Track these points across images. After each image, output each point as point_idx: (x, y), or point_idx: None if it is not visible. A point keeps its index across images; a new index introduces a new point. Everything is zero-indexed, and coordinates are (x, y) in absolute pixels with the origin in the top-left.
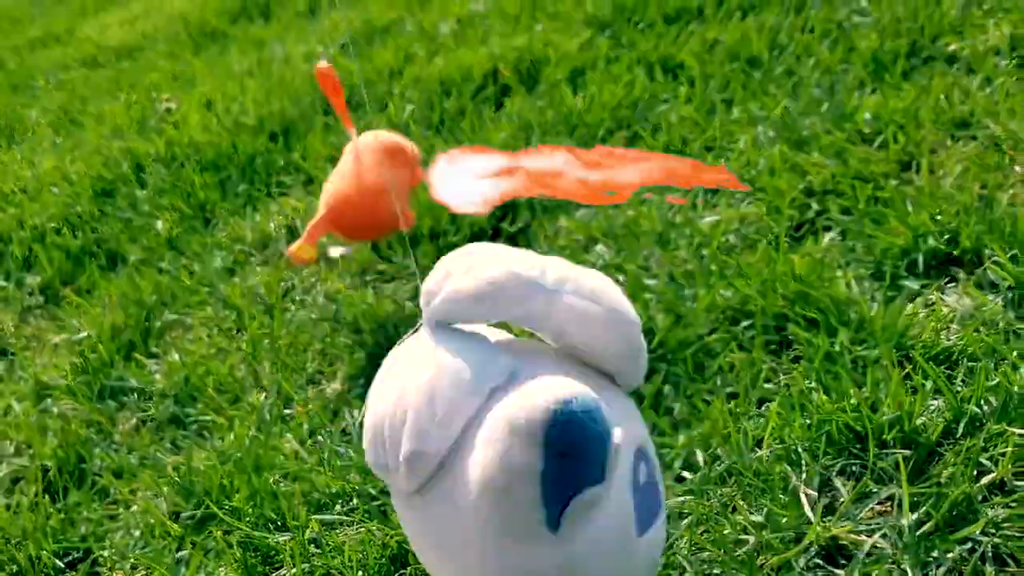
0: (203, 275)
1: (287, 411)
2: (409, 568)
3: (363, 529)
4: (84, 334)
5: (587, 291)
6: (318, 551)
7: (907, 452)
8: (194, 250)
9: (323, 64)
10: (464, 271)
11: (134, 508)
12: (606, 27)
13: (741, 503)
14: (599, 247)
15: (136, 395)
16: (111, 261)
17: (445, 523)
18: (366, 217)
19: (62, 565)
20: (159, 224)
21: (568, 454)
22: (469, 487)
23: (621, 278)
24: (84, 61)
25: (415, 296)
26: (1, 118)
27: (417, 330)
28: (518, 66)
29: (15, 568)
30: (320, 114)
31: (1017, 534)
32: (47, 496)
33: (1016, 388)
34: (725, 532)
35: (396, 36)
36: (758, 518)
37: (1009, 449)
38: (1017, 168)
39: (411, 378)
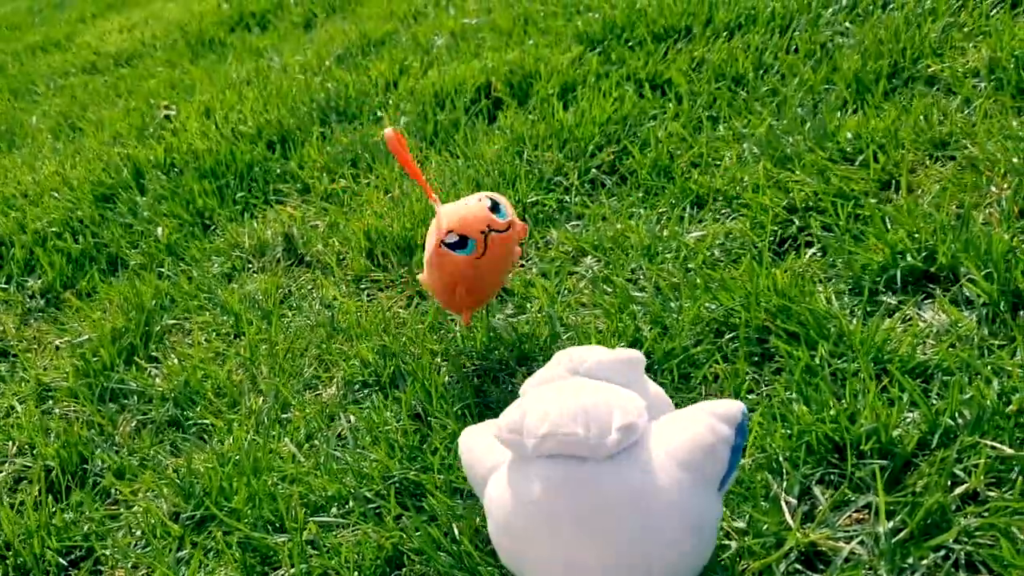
0: (202, 281)
1: (284, 415)
2: (404, 569)
3: (359, 531)
4: (85, 337)
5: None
6: (316, 552)
7: (884, 462)
8: (193, 256)
9: (390, 131)
10: (595, 349)
11: (135, 508)
12: (596, 44)
13: (724, 510)
14: (588, 259)
15: (136, 398)
16: (112, 265)
17: (632, 481)
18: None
19: (65, 563)
20: (159, 230)
21: (742, 438)
22: (664, 454)
23: (609, 290)
24: (84, 67)
25: (408, 304)
26: (2, 123)
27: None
28: (510, 80)
29: (19, 563)
30: (316, 124)
31: (989, 543)
32: (50, 496)
33: (989, 402)
34: None
35: (391, 48)
36: (740, 524)
37: (982, 461)
38: (993, 188)
39: (596, 391)
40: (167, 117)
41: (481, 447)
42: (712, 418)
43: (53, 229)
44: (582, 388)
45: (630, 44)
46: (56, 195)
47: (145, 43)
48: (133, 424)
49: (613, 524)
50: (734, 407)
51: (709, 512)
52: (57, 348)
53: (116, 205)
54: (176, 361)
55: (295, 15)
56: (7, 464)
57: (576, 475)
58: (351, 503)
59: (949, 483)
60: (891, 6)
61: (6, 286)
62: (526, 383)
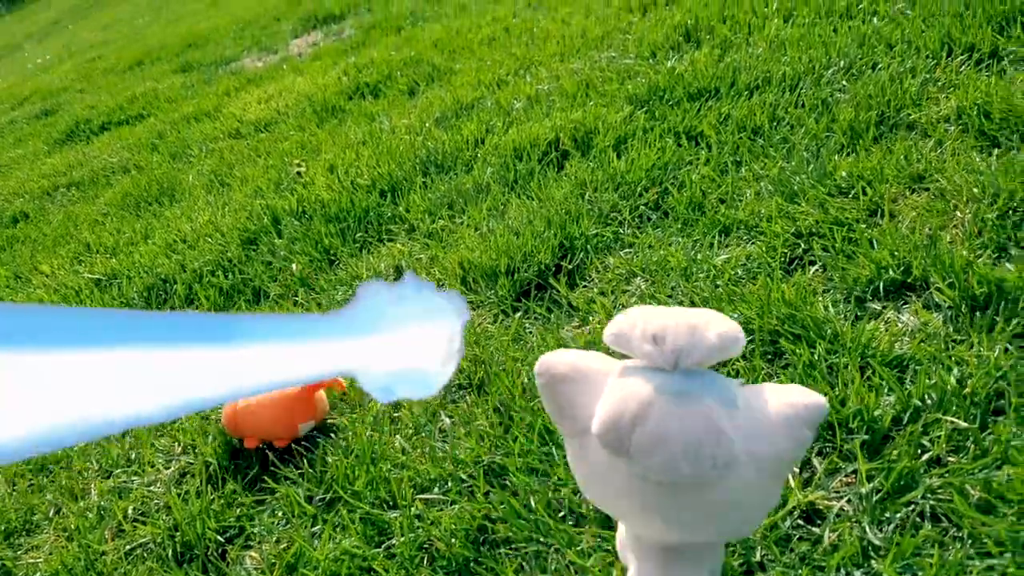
0: (328, 306)
1: (396, 414)
2: (491, 536)
3: (456, 506)
4: None
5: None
6: (421, 524)
7: (866, 436)
8: (321, 286)
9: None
10: (701, 326)
11: (278, 494)
12: (643, 103)
13: None
14: (637, 279)
15: None
16: (256, 297)
17: (724, 498)
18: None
19: (222, 539)
20: (293, 266)
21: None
22: (754, 469)
23: (654, 304)
24: (229, 133)
25: (495, 320)
26: (164, 181)
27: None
28: (574, 135)
29: (185, 540)
30: (419, 175)
31: (948, 499)
32: (209, 486)
33: (950, 386)
34: None
35: (480, 111)
36: None
37: (943, 433)
38: (958, 213)
39: (701, 415)
40: (299, 173)
41: (582, 393)
42: (799, 427)
43: (208, 268)
44: (687, 413)
45: (670, 103)
46: (209, 240)
47: (279, 112)
48: None
49: (707, 526)
50: (818, 411)
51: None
52: None
53: (258, 247)
54: None
55: (401, 84)
56: (174, 462)
57: (677, 495)
58: (449, 483)
59: (918, 452)
60: (879, 66)
61: None
62: (607, 333)
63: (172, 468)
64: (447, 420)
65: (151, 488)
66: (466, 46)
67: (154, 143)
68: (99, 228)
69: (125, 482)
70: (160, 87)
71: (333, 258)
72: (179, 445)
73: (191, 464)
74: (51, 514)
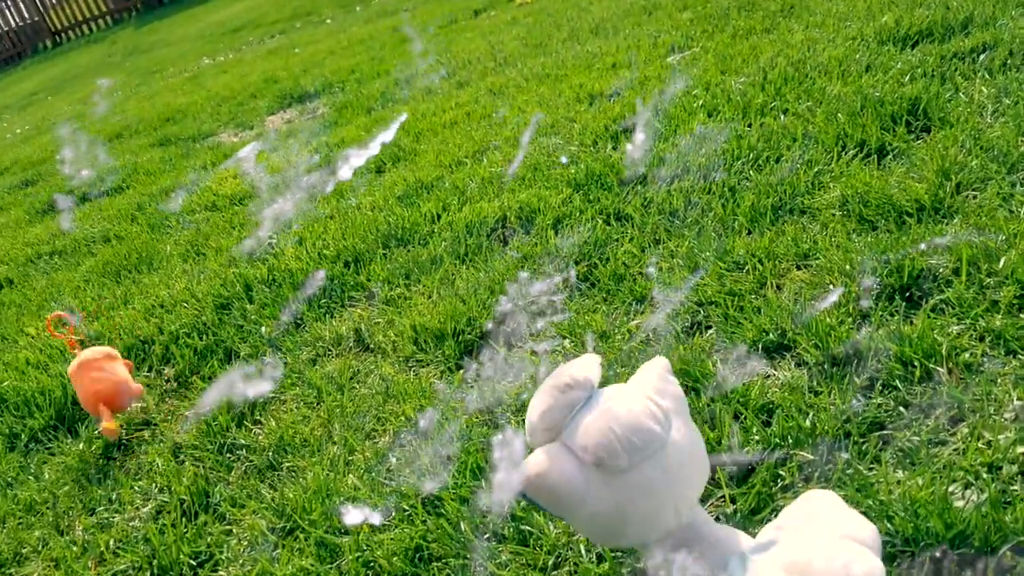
0: (294, 364)
1: (351, 457)
2: (424, 552)
3: (397, 531)
4: (207, 409)
5: None
6: (368, 546)
7: (733, 468)
8: (288, 347)
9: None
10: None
11: (244, 524)
12: (581, 187)
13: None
14: (565, 341)
15: (245, 450)
16: (227, 356)
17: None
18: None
19: (194, 564)
20: (263, 328)
21: None
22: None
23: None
24: (206, 206)
25: (441, 376)
26: (143, 250)
27: None
28: (520, 214)
29: (162, 565)
30: (380, 248)
31: None
32: (184, 519)
33: (804, 427)
34: None
35: (438, 191)
36: None
37: (795, 464)
38: (831, 286)
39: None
40: (270, 244)
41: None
42: None
43: (184, 330)
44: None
45: (604, 187)
46: (186, 305)
47: (254, 187)
48: (243, 469)
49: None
50: None
51: None
52: (187, 417)
53: (231, 312)
54: (274, 423)
55: (369, 163)
56: (151, 500)
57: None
58: (393, 513)
59: (776, 480)
60: (782, 159)
61: (148, 373)
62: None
63: (150, 505)
64: (394, 460)
65: (132, 523)
66: (430, 128)
67: (134, 214)
68: (81, 293)
69: (107, 518)
70: (141, 162)
71: (299, 322)
72: (156, 486)
73: (166, 502)
74: (39, 547)
